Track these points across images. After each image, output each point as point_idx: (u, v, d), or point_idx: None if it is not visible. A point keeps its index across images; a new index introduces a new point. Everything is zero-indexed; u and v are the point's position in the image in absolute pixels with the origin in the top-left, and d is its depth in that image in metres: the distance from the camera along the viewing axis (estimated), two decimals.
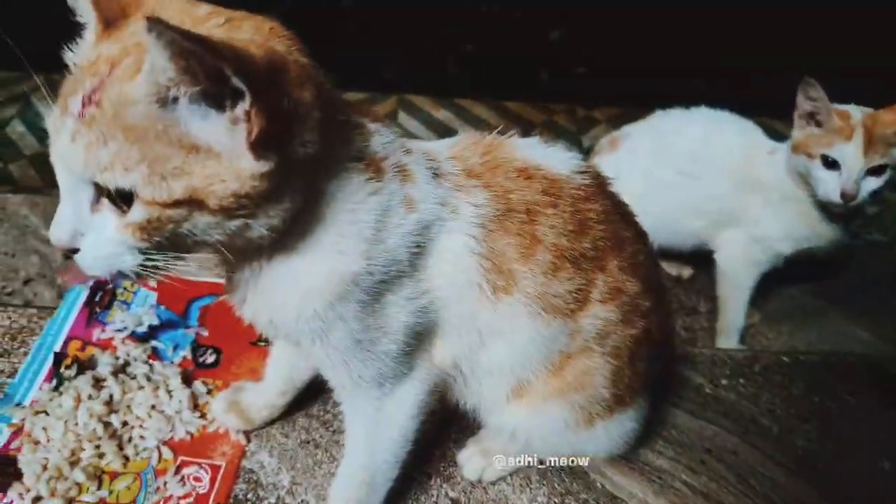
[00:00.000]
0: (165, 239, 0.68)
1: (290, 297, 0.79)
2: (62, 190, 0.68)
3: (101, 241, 0.68)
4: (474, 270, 0.85)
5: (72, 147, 0.64)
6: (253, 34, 0.66)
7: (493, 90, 2.42)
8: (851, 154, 1.41)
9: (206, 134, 0.63)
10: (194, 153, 0.63)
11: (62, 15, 0.71)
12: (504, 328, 0.89)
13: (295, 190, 0.70)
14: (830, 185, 1.45)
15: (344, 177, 0.76)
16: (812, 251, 1.63)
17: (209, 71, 0.58)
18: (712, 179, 1.65)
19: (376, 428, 0.95)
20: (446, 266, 0.85)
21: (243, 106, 0.60)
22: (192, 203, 0.65)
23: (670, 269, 1.91)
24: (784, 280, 1.81)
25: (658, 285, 1.05)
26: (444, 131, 2.23)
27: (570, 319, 0.91)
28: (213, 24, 0.66)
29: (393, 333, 0.85)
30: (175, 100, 0.61)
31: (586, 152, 2.13)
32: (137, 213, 0.65)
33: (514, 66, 2.34)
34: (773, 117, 1.95)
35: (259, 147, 0.63)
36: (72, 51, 0.70)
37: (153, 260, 0.69)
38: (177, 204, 0.64)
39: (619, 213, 0.96)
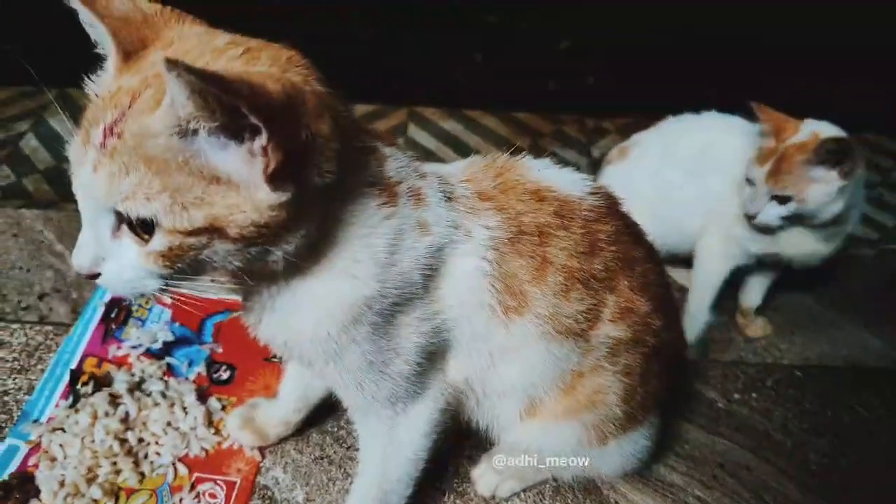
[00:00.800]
0: (186, 265, 0.69)
1: (304, 320, 0.80)
2: (84, 217, 0.69)
3: (123, 266, 0.69)
4: (486, 292, 0.86)
5: (94, 177, 0.65)
6: (270, 65, 0.67)
7: (501, 101, 2.42)
8: (757, 178, 1.45)
9: (226, 165, 0.64)
10: (215, 184, 0.64)
11: (75, 31, 0.72)
12: (516, 349, 0.90)
13: (311, 217, 0.71)
14: (743, 199, 1.51)
15: (359, 202, 0.77)
16: (781, 257, 1.63)
17: (226, 108, 0.59)
18: (713, 178, 1.66)
19: (390, 447, 0.95)
20: (459, 288, 0.85)
21: (260, 141, 0.61)
22: (213, 231, 0.65)
23: (681, 278, 1.90)
24: (795, 290, 1.80)
25: (669, 303, 1.06)
26: (453, 142, 2.23)
27: (582, 339, 0.92)
28: (232, 56, 0.67)
29: (406, 354, 0.86)
30: (195, 132, 0.62)
31: (596, 162, 2.13)
32: (158, 241, 0.66)
33: (522, 76, 2.34)
34: None
35: (276, 179, 0.63)
36: (92, 81, 0.72)
37: (173, 284, 0.71)
38: (197, 232, 0.65)
39: (630, 233, 0.97)
